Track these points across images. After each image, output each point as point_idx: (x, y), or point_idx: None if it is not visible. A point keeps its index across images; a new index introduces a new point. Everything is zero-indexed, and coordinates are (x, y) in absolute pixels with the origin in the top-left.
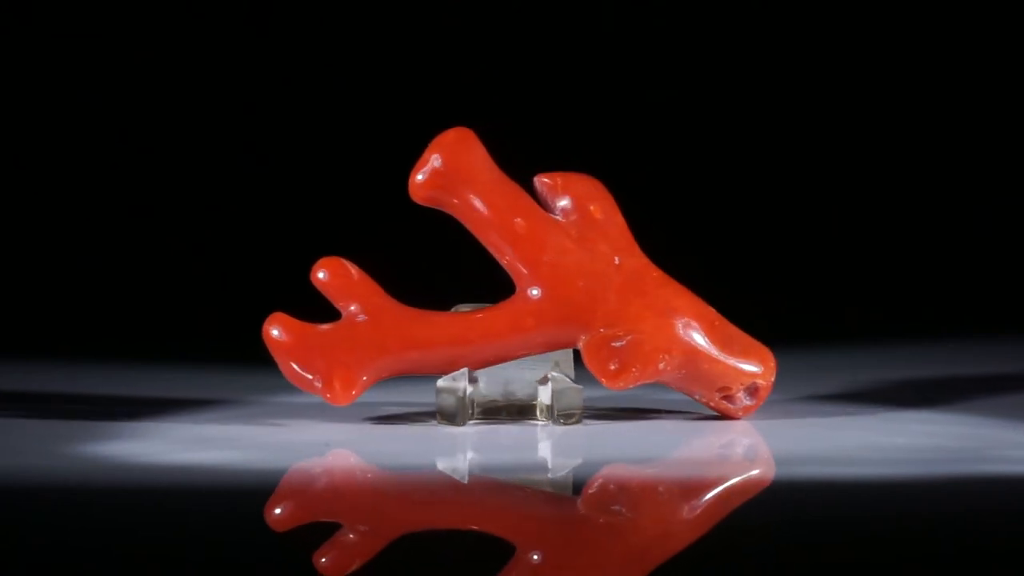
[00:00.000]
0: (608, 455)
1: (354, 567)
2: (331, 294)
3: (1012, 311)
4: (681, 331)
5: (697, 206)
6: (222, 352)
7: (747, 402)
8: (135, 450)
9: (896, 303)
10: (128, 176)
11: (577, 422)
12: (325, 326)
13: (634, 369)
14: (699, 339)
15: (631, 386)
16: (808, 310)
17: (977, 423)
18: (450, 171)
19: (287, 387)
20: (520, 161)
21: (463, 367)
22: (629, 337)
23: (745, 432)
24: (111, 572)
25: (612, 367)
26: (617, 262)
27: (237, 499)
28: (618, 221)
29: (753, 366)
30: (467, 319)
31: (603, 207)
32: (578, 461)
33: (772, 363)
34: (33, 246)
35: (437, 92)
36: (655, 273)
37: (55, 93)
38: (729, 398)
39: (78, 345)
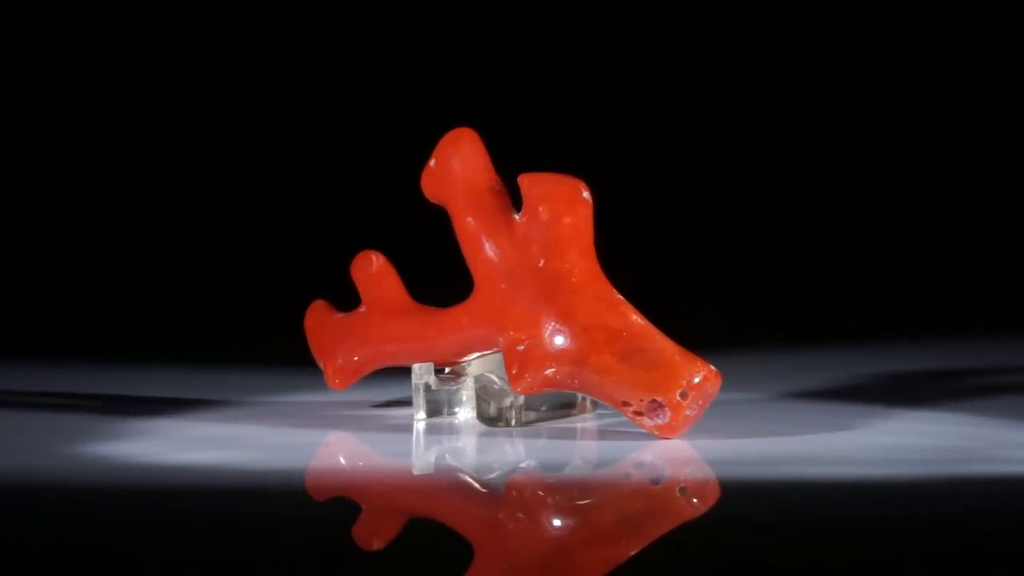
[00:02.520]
0: (501, 459)
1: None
2: (357, 286)
3: (1012, 311)
4: (569, 340)
5: (694, 206)
6: (222, 352)
7: (657, 420)
8: (135, 450)
9: (896, 303)
10: (128, 176)
11: (507, 424)
12: (341, 315)
13: (527, 375)
14: (589, 350)
15: (532, 392)
16: (807, 309)
17: (977, 423)
18: (439, 171)
19: (287, 387)
20: (531, 162)
21: (427, 361)
22: (528, 342)
23: (667, 444)
24: (111, 572)
25: (513, 371)
26: (541, 264)
27: (237, 499)
28: (566, 223)
29: (656, 383)
30: (431, 316)
31: (554, 208)
32: (463, 463)
33: (684, 382)
34: (33, 246)
35: (460, 92)
36: (575, 278)
37: (57, 92)
38: (639, 414)
39: (78, 345)
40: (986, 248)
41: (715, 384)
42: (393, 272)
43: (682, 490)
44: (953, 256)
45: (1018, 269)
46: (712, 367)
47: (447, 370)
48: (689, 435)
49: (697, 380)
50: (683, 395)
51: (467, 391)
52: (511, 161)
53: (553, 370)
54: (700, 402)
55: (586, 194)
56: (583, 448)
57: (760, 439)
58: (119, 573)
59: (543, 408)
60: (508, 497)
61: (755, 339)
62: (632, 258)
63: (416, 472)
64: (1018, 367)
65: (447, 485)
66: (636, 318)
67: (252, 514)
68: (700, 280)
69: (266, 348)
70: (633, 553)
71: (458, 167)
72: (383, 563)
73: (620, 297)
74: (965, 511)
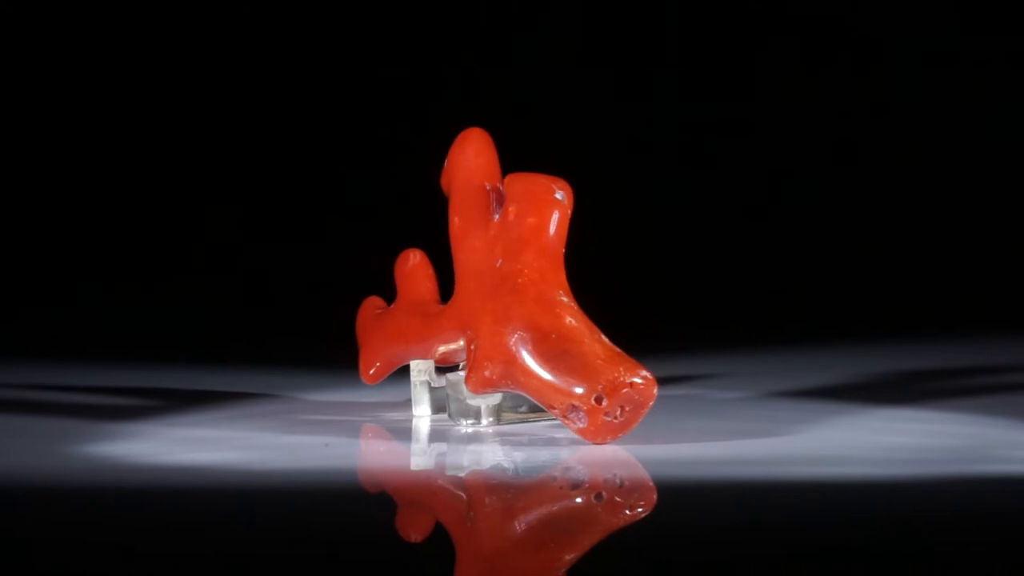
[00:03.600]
0: (472, 460)
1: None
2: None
3: (1011, 311)
4: (502, 340)
5: (695, 206)
6: (223, 353)
7: (579, 424)
8: (135, 450)
9: (895, 303)
10: (132, 177)
11: (478, 423)
12: (380, 311)
13: (472, 375)
14: (517, 351)
15: (480, 391)
16: (807, 309)
17: (977, 423)
18: (448, 171)
19: (286, 388)
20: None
21: (429, 359)
22: (476, 342)
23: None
24: (111, 572)
25: (467, 371)
26: (498, 264)
27: (237, 499)
28: (529, 223)
29: (573, 387)
30: (431, 315)
31: (520, 208)
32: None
33: (599, 387)
34: (35, 246)
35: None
36: (522, 278)
37: (69, 96)
38: (566, 418)
39: (79, 345)
40: (986, 248)
41: (644, 391)
42: (428, 270)
43: (597, 497)
44: (953, 256)
45: (1017, 269)
46: (644, 373)
47: (460, 366)
48: (681, 435)
49: (620, 383)
50: (598, 400)
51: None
52: (535, 161)
53: (489, 372)
54: (626, 408)
55: (559, 195)
56: (534, 452)
57: (759, 439)
58: (119, 573)
59: (523, 409)
60: (463, 498)
61: (755, 339)
62: (633, 257)
63: (369, 472)
64: (1018, 367)
65: (405, 486)
66: (570, 320)
67: (251, 514)
68: (700, 279)
69: (267, 348)
70: (570, 558)
71: (459, 167)
72: (360, 562)
73: (562, 299)
74: (965, 511)
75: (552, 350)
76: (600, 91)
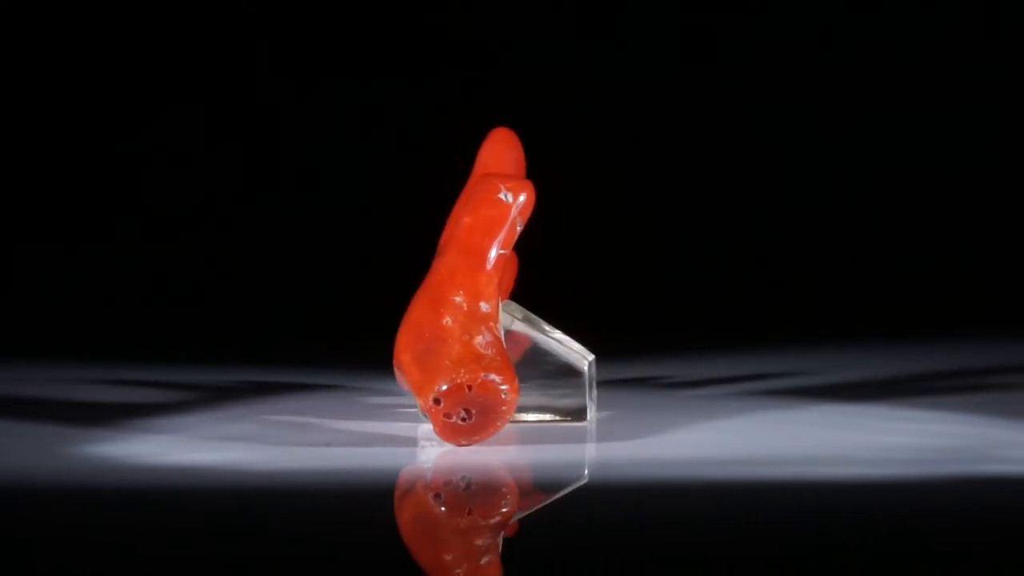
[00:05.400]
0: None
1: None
2: None
3: (1011, 311)
4: (398, 339)
5: (695, 206)
6: (223, 353)
7: (430, 423)
8: (135, 450)
9: (895, 303)
10: (135, 175)
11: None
12: None
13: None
14: (402, 349)
15: (406, 389)
16: (806, 309)
17: (977, 423)
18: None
19: (286, 388)
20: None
21: None
22: None
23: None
24: (111, 572)
25: None
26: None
27: (237, 499)
28: (465, 223)
29: (419, 385)
30: None
31: (467, 208)
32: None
33: (436, 388)
34: (39, 246)
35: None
36: (437, 276)
37: (89, 103)
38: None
39: (80, 345)
40: (985, 248)
41: (490, 395)
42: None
43: (436, 497)
44: (953, 256)
45: (1017, 269)
46: (491, 377)
47: None
48: (681, 435)
49: (457, 385)
50: (436, 401)
51: None
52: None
53: (397, 369)
54: (472, 411)
55: (505, 196)
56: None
57: (758, 439)
58: (119, 573)
59: None
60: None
61: (755, 339)
62: (632, 258)
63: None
64: (1018, 367)
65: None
66: (447, 320)
67: (251, 514)
68: (700, 279)
69: (269, 348)
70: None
71: (476, 165)
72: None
73: (454, 300)
74: (965, 511)
75: (422, 349)
76: (599, 90)
